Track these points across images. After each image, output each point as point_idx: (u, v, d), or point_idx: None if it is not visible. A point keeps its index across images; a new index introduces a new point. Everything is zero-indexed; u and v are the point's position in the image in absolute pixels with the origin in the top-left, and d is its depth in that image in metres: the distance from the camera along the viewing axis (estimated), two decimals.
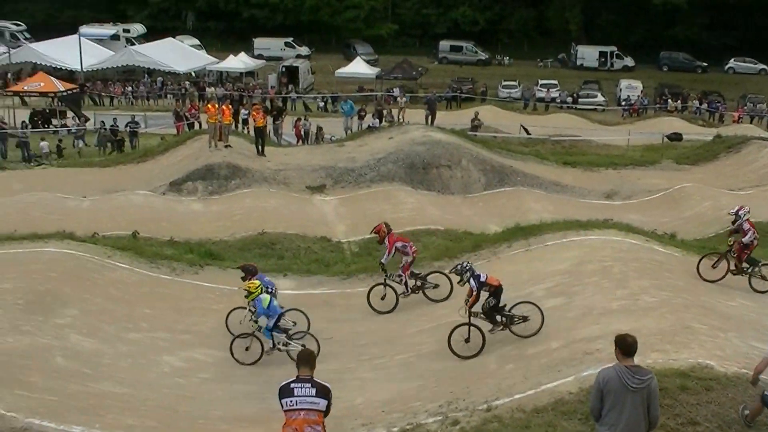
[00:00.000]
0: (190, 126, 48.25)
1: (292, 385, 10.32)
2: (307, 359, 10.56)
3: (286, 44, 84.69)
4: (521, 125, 51.01)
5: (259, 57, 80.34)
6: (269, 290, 17.85)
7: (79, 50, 66.35)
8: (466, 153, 34.58)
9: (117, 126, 47.50)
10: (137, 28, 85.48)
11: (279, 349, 17.00)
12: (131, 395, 15.21)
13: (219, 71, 72.84)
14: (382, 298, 19.84)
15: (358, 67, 71.85)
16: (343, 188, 32.87)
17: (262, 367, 16.87)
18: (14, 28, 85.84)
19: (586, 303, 16.99)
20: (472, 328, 15.98)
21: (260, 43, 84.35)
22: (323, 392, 10.32)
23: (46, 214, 27.55)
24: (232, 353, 17.09)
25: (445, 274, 19.55)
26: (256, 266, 19.33)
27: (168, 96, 66.48)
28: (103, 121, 48.10)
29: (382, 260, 19.86)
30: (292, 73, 70.41)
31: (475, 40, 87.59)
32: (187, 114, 50.83)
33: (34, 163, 40.99)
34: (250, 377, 16.51)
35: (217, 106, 36.08)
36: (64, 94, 54.75)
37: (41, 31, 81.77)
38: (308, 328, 17.75)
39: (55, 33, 75.89)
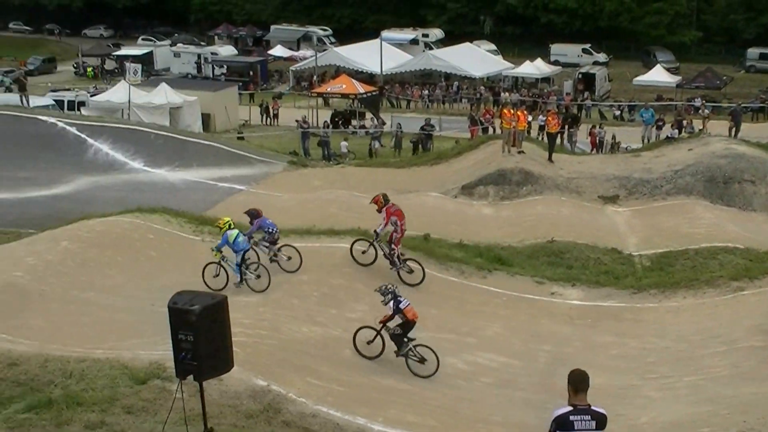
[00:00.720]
0: (485, 130, 48.59)
1: (572, 417, 9.53)
2: (584, 382, 9.65)
3: (584, 50, 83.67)
4: None
5: (556, 63, 79.81)
6: (269, 230, 20.06)
7: (380, 54, 68.71)
8: None
9: (432, 128, 48.82)
10: (436, 33, 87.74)
11: (247, 282, 19.08)
12: (413, 393, 15.48)
13: (514, 77, 73.15)
14: (363, 252, 20.87)
15: (658, 75, 69.84)
16: (636, 199, 31.87)
17: (545, 376, 16.65)
18: (321, 33, 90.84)
19: None
20: (378, 336, 16.79)
21: (557, 48, 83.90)
22: (602, 424, 9.55)
23: (342, 210, 28.59)
24: (203, 276, 19.01)
25: (419, 263, 20.71)
26: (258, 210, 20.71)
27: (463, 100, 67.53)
28: (399, 123, 49.42)
29: (378, 230, 20.64)
30: (588, 80, 69.56)
31: None
32: (481, 119, 51.29)
33: (333, 162, 42.75)
34: (533, 386, 16.36)
35: (512, 111, 36.00)
36: (364, 96, 56.83)
37: (345, 36, 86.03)
38: (299, 267, 19.86)
39: (358, 37, 79.29)
